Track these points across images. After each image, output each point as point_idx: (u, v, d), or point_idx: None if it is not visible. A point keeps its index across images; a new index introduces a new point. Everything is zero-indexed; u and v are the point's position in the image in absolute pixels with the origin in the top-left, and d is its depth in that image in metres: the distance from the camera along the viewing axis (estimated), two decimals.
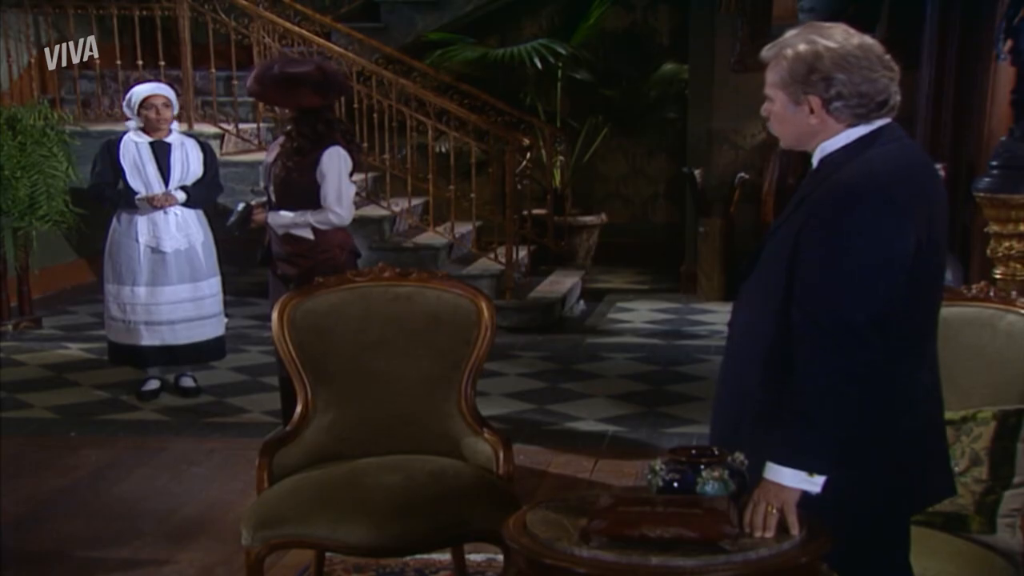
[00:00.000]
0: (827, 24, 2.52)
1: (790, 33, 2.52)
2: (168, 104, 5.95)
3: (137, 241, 5.95)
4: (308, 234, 4.97)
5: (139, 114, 5.92)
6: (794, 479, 2.38)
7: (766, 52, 2.54)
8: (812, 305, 2.38)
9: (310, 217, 4.95)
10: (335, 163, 4.92)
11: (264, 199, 5.20)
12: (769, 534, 2.37)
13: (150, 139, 5.94)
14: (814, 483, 2.39)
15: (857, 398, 2.37)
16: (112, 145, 5.95)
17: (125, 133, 5.98)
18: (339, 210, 4.96)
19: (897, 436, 2.48)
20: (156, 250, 5.95)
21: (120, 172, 5.90)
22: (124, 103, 6.06)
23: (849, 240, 2.36)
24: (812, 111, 2.47)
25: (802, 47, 2.46)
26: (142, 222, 5.93)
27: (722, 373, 2.71)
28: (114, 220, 6.04)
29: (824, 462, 2.39)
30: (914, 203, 2.41)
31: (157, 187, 5.91)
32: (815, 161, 2.54)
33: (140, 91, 5.96)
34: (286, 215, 4.97)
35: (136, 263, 5.96)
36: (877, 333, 2.36)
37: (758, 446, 2.46)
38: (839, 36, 2.46)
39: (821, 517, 2.41)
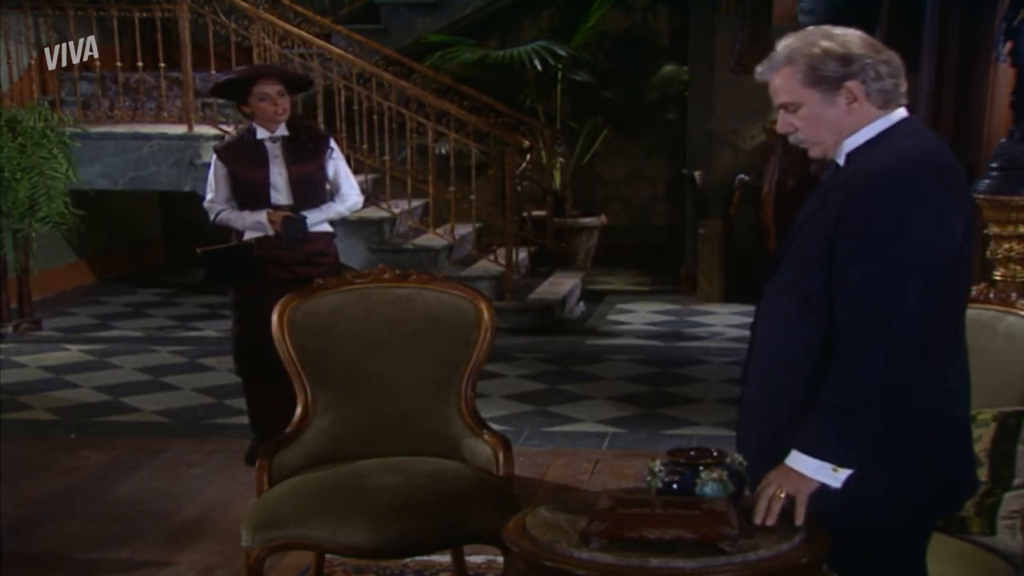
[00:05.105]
0: (810, 28, 2.49)
1: (787, 41, 2.46)
2: None
3: None
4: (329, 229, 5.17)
5: None
6: (818, 471, 2.35)
7: (765, 69, 2.48)
8: (858, 299, 2.33)
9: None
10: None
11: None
12: (771, 521, 2.35)
13: None
14: (836, 478, 2.35)
15: (897, 394, 2.33)
16: None
17: None
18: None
19: (928, 437, 2.43)
20: None
21: None
22: None
23: (894, 232, 2.31)
24: (854, 98, 2.42)
25: (825, 42, 2.42)
26: None
27: (753, 374, 2.60)
28: None
29: (853, 457, 2.35)
30: (954, 191, 2.38)
31: None
32: (841, 159, 2.49)
33: None
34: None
35: None
36: (923, 327, 2.32)
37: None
38: (840, 28, 2.46)
39: (847, 516, 2.38)
